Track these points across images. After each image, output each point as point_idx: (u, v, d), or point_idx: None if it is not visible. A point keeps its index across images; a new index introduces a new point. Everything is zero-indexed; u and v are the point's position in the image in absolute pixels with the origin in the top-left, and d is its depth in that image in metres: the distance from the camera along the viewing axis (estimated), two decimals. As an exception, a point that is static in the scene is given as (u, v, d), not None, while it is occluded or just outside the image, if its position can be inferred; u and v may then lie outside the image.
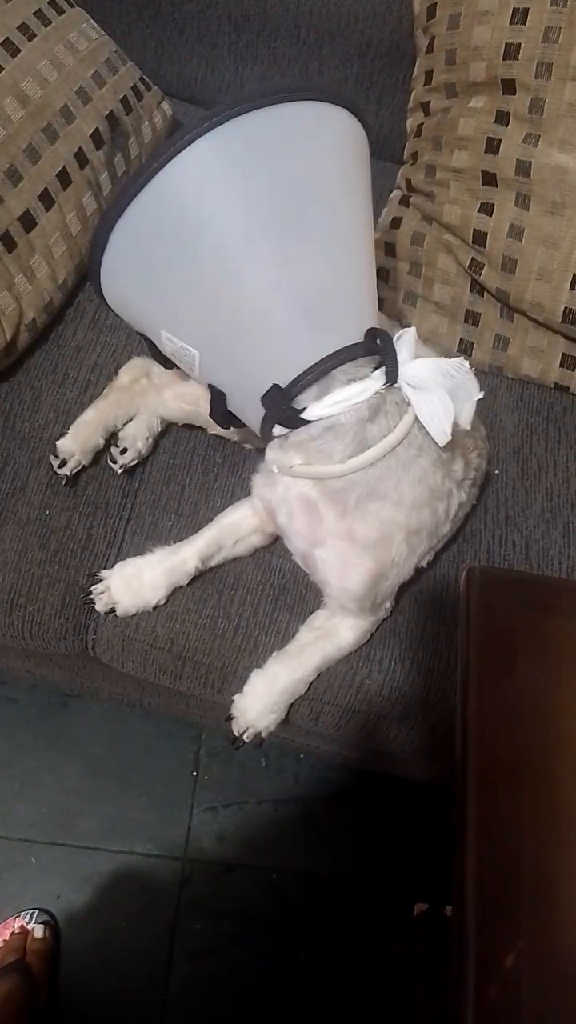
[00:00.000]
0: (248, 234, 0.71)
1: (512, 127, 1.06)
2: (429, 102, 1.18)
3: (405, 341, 0.77)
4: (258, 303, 0.73)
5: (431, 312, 1.21)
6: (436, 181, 1.16)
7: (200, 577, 0.98)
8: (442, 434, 0.77)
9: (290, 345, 0.75)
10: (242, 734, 0.97)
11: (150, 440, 1.05)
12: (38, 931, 1.30)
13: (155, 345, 0.84)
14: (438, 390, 0.76)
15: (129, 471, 1.04)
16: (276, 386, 0.75)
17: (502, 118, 1.07)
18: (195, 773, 1.48)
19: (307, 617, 0.97)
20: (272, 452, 0.86)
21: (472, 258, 1.14)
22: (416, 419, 0.78)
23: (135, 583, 0.96)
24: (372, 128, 1.36)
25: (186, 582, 0.97)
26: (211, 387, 0.82)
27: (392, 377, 0.76)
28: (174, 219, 0.71)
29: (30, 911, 1.33)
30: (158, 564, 0.96)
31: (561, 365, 1.16)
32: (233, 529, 0.98)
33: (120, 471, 1.03)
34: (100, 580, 0.97)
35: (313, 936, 1.37)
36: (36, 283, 1.05)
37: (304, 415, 0.76)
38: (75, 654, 1.05)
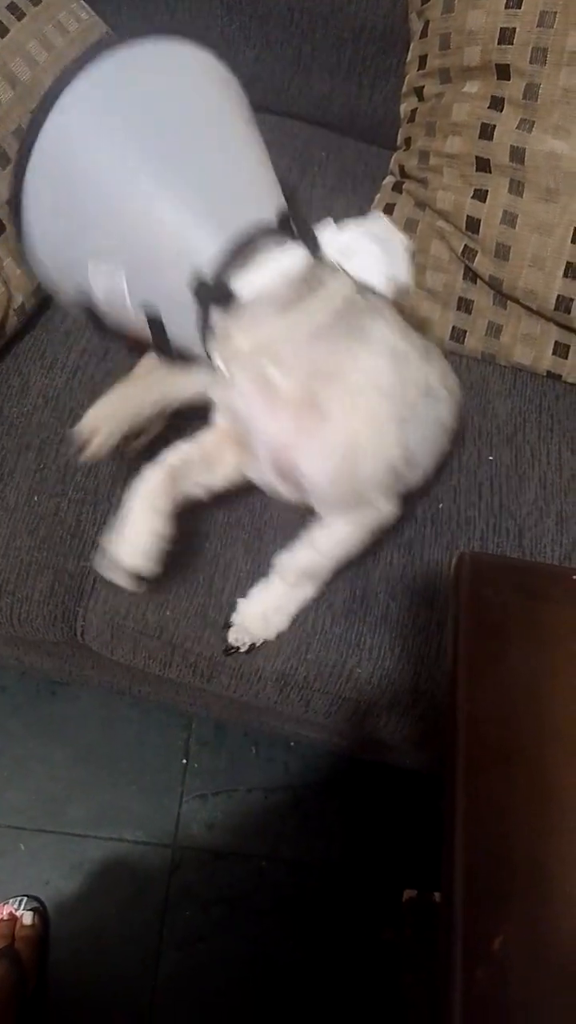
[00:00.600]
0: (129, 157, 0.77)
1: (506, 113, 1.05)
2: (423, 87, 1.17)
3: (323, 224, 0.81)
4: (162, 215, 0.77)
5: (423, 299, 1.20)
6: (429, 167, 1.15)
7: (190, 564, 0.97)
8: (386, 282, 0.79)
9: (207, 242, 0.78)
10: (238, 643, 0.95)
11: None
12: (27, 918, 1.30)
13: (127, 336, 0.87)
14: (368, 248, 0.79)
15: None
16: (201, 273, 0.77)
17: (496, 103, 1.06)
18: (185, 761, 1.48)
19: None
20: (217, 356, 0.83)
21: (465, 245, 1.13)
22: (356, 284, 0.79)
23: (118, 537, 0.84)
24: (366, 113, 1.37)
25: (168, 505, 0.85)
26: (147, 318, 0.83)
27: (314, 247, 0.79)
28: (60, 167, 0.79)
29: (19, 898, 1.33)
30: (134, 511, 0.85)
31: (554, 353, 1.15)
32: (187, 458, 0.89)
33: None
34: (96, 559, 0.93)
35: (302, 923, 1.38)
36: (25, 267, 1.03)
37: (237, 290, 0.78)
38: (64, 641, 1.05)
